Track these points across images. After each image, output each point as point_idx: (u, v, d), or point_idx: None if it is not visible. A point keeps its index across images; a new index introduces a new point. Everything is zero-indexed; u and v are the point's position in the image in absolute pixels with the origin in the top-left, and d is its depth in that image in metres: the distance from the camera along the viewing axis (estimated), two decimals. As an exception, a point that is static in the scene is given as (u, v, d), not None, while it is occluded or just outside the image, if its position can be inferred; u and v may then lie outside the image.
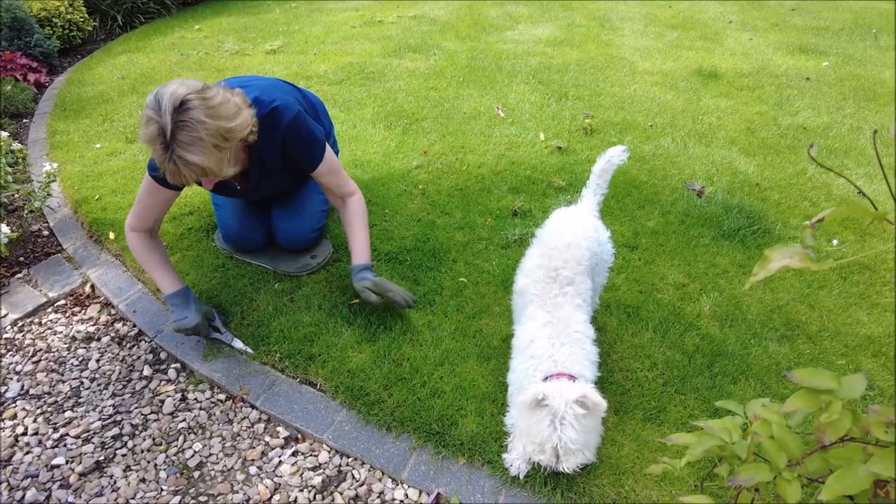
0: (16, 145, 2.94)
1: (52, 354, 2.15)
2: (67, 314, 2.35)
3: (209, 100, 1.59)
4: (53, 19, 5.00)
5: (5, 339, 2.22)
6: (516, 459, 1.62)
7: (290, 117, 1.91)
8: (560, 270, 1.68)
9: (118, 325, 2.29)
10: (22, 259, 2.59)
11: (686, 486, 1.58)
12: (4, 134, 2.77)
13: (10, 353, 2.16)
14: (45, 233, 2.79)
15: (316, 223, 2.38)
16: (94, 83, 4.36)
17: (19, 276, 2.51)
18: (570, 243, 1.71)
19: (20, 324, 2.30)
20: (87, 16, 5.42)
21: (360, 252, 2.09)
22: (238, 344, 2.09)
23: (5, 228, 2.42)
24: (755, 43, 5.14)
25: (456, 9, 6.19)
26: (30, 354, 2.15)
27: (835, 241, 2.55)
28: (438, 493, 1.63)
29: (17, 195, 2.86)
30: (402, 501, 1.65)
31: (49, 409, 1.95)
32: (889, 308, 2.20)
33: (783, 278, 2.34)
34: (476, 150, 3.25)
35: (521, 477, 1.62)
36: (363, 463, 1.75)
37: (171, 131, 1.54)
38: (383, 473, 1.72)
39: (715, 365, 1.94)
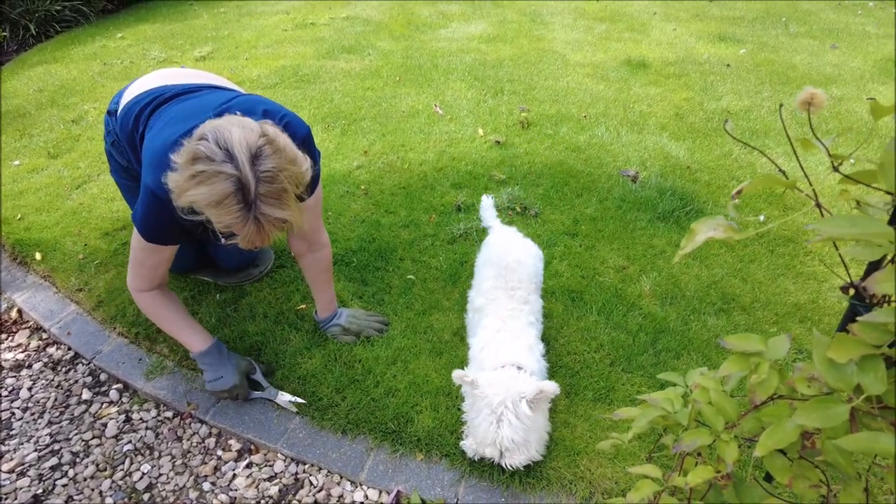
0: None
1: (-22, 386, 2.02)
2: (-7, 342, 2.21)
3: (275, 142, 1.32)
4: (-42, 31, 4.68)
5: (-76, 373, 2.07)
6: (473, 444, 1.63)
7: (303, 133, 1.63)
8: (516, 290, 1.79)
9: (51, 350, 2.17)
10: (-62, 287, 2.43)
11: (638, 460, 1.63)
12: None
13: (-69, 388, 2.02)
14: (-37, 258, 2.61)
15: None
16: (8, 97, 4.10)
17: (-64, 305, 2.34)
18: (520, 261, 1.86)
19: (-60, 356, 2.15)
20: (-5, 26, 5.10)
21: (328, 306, 2.04)
22: (285, 398, 1.86)
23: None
24: (679, 33, 5.36)
25: (388, 8, 6.17)
26: (-47, 388, 2.02)
27: (761, 216, 2.69)
28: (398, 491, 1.63)
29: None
30: (362, 503, 1.64)
31: (-22, 444, 1.84)
32: (811, 276, 2.34)
33: (717, 255, 2.45)
34: (417, 148, 3.26)
35: (477, 459, 1.64)
36: (320, 468, 1.72)
37: (256, 185, 1.28)
38: (341, 477, 1.70)
39: (658, 342, 2.02)
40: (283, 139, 1.34)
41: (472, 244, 2.49)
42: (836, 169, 0.86)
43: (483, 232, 2.52)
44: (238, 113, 1.44)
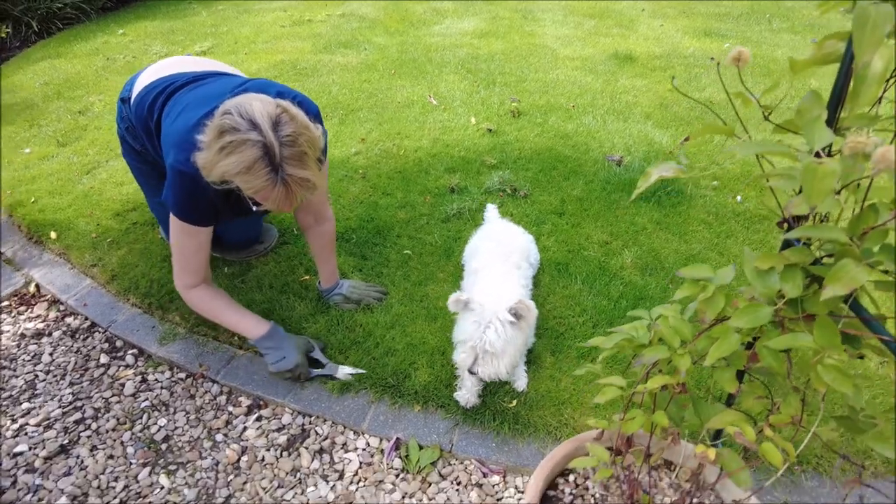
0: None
1: (1, 353, 2.15)
2: (13, 314, 2.34)
3: (290, 111, 1.45)
4: (-37, 27, 4.80)
5: (-50, 341, 2.20)
6: (465, 393, 1.79)
7: (315, 111, 1.73)
8: (510, 255, 1.97)
9: (69, 320, 2.30)
10: (-42, 265, 2.55)
11: (615, 408, 1.78)
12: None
13: (-43, 354, 2.15)
14: (-20, 239, 2.74)
15: (262, 219, 2.46)
16: (15, 90, 4.23)
17: (-43, 281, 2.47)
18: (515, 234, 2.12)
19: (-37, 327, 2.28)
20: (-1, 23, 5.22)
21: (330, 277, 2.18)
22: (345, 371, 1.94)
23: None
24: (665, 28, 5.52)
25: (383, 6, 6.31)
26: (-23, 355, 2.15)
27: (738, 197, 2.85)
28: (397, 438, 1.77)
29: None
30: (364, 449, 1.78)
31: (4, 402, 1.97)
32: (783, 249, 2.50)
33: (696, 231, 2.60)
34: (412, 136, 3.40)
35: (469, 407, 1.80)
36: (325, 420, 1.87)
37: (280, 149, 1.41)
38: (345, 427, 1.84)
39: (638, 307, 2.16)
40: (296, 109, 1.48)
41: (465, 222, 2.64)
42: (766, 118, 1.01)
43: (475, 211, 2.68)
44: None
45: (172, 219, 1.71)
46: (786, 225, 1.04)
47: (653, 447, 1.21)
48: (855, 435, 1.06)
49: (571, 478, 1.28)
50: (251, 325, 1.90)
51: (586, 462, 1.10)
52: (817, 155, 0.82)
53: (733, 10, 6.18)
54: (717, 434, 1.28)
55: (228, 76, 1.97)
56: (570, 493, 1.24)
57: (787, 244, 1.04)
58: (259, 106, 1.41)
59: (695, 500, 1.22)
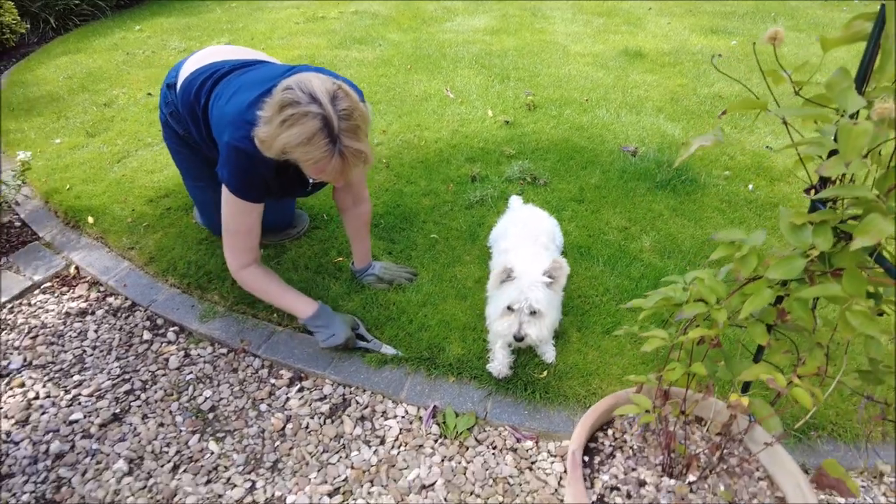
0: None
1: (48, 329, 2.25)
2: (56, 294, 2.44)
3: (344, 87, 1.55)
4: (-15, 22, 4.89)
5: (-1, 319, 2.30)
6: (497, 365, 1.88)
7: (361, 93, 1.81)
8: (538, 237, 2.07)
9: (110, 300, 2.40)
10: (-1, 248, 2.65)
11: (648, 372, 1.88)
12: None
13: (5, 332, 2.24)
14: (17, 224, 2.83)
15: (295, 204, 2.56)
16: (39, 84, 4.32)
17: None
18: (541, 218, 2.23)
19: (9, 306, 2.37)
20: (18, 18, 5.31)
21: (364, 258, 2.28)
22: (389, 350, 2.04)
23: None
24: (673, 26, 5.63)
25: (394, 4, 6.41)
26: (25, 331, 2.24)
27: (750, 186, 2.95)
28: (434, 406, 1.87)
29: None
30: (403, 417, 1.88)
31: (56, 375, 2.06)
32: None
33: (710, 217, 2.70)
34: (431, 128, 3.50)
35: (502, 378, 1.90)
36: (364, 390, 1.97)
37: (338, 122, 1.51)
38: (384, 397, 1.94)
39: (659, 286, 2.26)
40: (348, 87, 1.59)
41: (487, 209, 2.74)
42: (797, 93, 1.11)
43: (497, 198, 2.78)
44: None
45: (227, 197, 1.80)
46: (812, 191, 1.14)
47: (687, 401, 1.30)
48: (875, 386, 1.16)
49: (610, 432, 1.38)
50: (302, 306, 1.97)
51: (630, 409, 1.20)
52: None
53: (739, 8, 6.29)
54: (745, 389, 1.37)
55: (272, 63, 2.07)
56: (610, 445, 1.34)
57: (814, 207, 1.14)
58: (318, 82, 1.52)
59: (725, 451, 1.32)
